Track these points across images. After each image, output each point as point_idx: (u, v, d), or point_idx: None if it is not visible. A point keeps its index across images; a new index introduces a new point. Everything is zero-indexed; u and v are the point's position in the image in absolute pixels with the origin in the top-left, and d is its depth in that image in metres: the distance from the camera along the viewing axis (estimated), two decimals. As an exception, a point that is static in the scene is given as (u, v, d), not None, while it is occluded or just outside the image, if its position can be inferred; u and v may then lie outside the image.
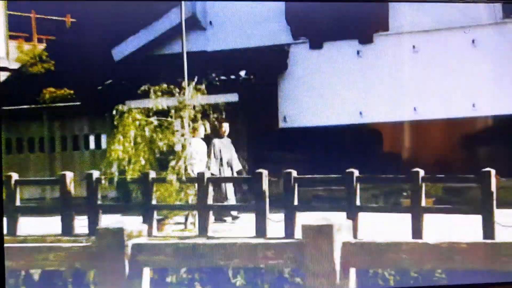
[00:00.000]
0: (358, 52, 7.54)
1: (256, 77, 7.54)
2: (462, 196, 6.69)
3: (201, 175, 6.26)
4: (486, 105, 7.23)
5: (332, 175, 6.29)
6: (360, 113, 7.51)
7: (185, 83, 6.50)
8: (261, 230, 6.18)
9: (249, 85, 7.49)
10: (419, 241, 5.47)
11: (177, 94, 6.39)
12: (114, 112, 6.26)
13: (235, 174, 7.04)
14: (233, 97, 7.53)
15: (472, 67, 7.24)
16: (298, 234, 6.10)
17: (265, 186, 6.16)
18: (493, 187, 5.73)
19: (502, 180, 5.90)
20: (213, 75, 6.99)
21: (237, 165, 7.02)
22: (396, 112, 7.45)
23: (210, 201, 6.33)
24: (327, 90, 7.53)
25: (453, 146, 7.25)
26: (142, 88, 6.36)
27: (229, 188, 6.89)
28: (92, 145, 7.39)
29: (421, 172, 5.93)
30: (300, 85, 7.67)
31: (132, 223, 5.79)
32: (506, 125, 7.25)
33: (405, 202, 6.41)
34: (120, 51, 7.77)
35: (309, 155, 7.24)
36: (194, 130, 6.68)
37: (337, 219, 5.63)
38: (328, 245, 5.22)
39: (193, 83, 6.45)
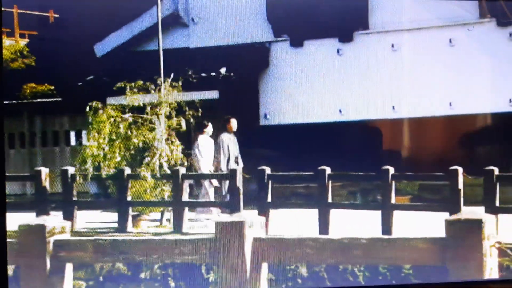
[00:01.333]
0: (338, 51, 7.59)
1: (237, 74, 7.59)
2: (437, 193, 6.75)
3: (175, 172, 6.31)
4: (463, 104, 7.28)
5: (305, 173, 6.34)
6: (340, 110, 7.57)
7: (161, 80, 6.54)
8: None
9: (229, 82, 7.55)
10: (324, 237, 5.68)
11: (152, 91, 6.42)
12: (87, 108, 6.30)
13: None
14: (213, 94, 7.58)
15: (449, 66, 7.28)
16: (271, 230, 6.18)
17: (239, 183, 6.22)
18: (460, 185, 5.80)
19: (469, 178, 5.96)
20: (190, 72, 7.01)
21: (241, 162, 7.07)
22: (375, 110, 7.50)
23: (185, 197, 6.37)
24: (307, 87, 7.58)
25: (431, 144, 7.30)
26: (118, 84, 6.39)
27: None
28: (73, 141, 7.43)
29: (391, 170, 5.98)
30: (281, 83, 7.72)
31: (54, 220, 5.86)
32: (482, 123, 7.31)
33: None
34: (103, 47, 7.81)
35: (290, 152, 7.30)
36: (204, 127, 6.71)
37: (250, 215, 5.72)
38: (239, 241, 5.31)
39: (169, 80, 6.47)
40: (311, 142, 7.28)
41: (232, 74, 7.52)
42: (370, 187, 6.99)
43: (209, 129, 6.93)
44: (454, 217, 5.30)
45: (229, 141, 7.02)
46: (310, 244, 5.37)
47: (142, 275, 6.06)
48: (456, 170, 5.89)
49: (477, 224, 5.03)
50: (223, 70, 7.48)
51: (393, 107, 7.44)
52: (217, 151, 6.93)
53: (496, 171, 5.91)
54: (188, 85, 6.99)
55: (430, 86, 7.32)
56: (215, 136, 7.24)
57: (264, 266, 5.63)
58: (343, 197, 7.16)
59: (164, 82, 6.46)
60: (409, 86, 7.36)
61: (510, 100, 7.20)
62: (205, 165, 6.82)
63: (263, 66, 7.76)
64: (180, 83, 6.68)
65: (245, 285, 5.42)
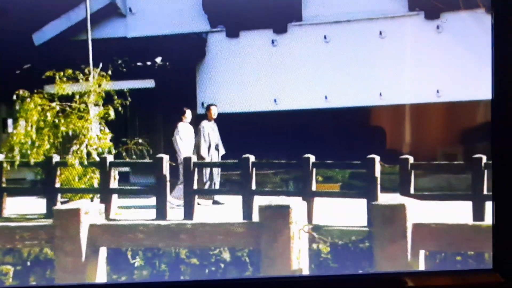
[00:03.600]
0: (272, 41, 7.74)
1: (174, 63, 7.71)
2: (367, 181, 6.95)
3: (103, 159, 6.43)
4: (392, 94, 7.50)
5: (229, 161, 6.51)
6: (275, 100, 7.74)
7: (89, 69, 6.64)
8: (161, 213, 6.40)
9: (166, 72, 7.67)
10: (154, 222, 5.93)
11: (81, 80, 6.53)
12: (14, 97, 6.38)
13: (220, 158, 7.24)
14: (149, 83, 7.71)
15: (379, 57, 7.49)
16: (196, 217, 6.36)
17: (166, 171, 6.36)
18: (377, 173, 6.00)
19: (386, 167, 6.17)
20: (120, 61, 7.11)
21: (222, 149, 7.23)
22: (309, 100, 7.69)
23: (113, 184, 6.49)
24: (243, 77, 7.74)
25: (362, 134, 7.51)
26: (47, 73, 6.48)
27: (215, 171, 7.04)
28: (10, 129, 7.49)
29: (312, 158, 6.17)
30: (217, 73, 7.87)
31: None
32: (411, 114, 7.53)
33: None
34: (41, 36, 7.87)
35: (225, 140, 7.47)
36: (182, 114, 6.97)
37: (87, 203, 5.90)
38: (76, 227, 5.50)
39: (98, 69, 6.58)
40: (246, 130, 7.44)
41: (167, 63, 7.63)
42: (302, 175, 7.16)
43: (188, 115, 7.10)
44: (266, 203, 5.58)
45: (209, 128, 7.19)
46: (141, 229, 5.59)
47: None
48: (373, 159, 6.10)
49: (286, 210, 5.29)
50: (158, 60, 7.59)
51: (326, 97, 7.64)
52: (198, 139, 7.05)
53: (411, 159, 6.11)
54: (125, 74, 7.10)
55: (361, 77, 7.52)
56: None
57: (102, 250, 5.82)
58: (276, 184, 7.37)
59: (93, 71, 6.54)
60: (341, 77, 7.55)
61: (437, 91, 7.42)
62: (185, 150, 6.96)
63: (200, 56, 7.89)
64: (109, 72, 6.76)
65: (82, 268, 5.59)
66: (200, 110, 7.89)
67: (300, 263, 5.29)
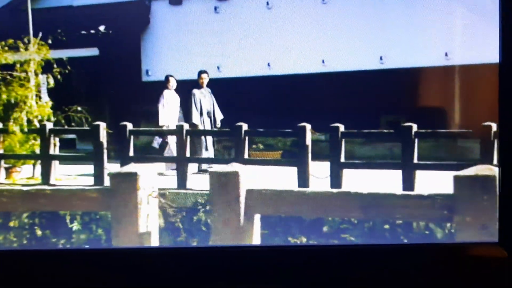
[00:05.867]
0: (215, 8, 7.82)
1: (117, 31, 7.79)
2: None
3: (43, 127, 6.59)
4: (335, 61, 7.63)
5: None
6: (218, 67, 7.85)
7: (29, 38, 6.73)
8: (99, 180, 6.58)
9: (109, 40, 7.75)
10: (16, 187, 6.33)
11: (21, 50, 6.62)
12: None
13: (218, 125, 7.38)
14: (93, 51, 7.80)
15: (322, 23, 7.59)
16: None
17: (103, 138, 6.52)
18: (308, 141, 6.17)
19: (316, 134, 6.34)
20: (64, 30, 7.19)
21: (219, 115, 7.35)
22: (251, 68, 7.82)
23: (53, 151, 6.66)
24: (187, 45, 7.83)
25: (306, 101, 7.65)
26: (-12, 43, 6.57)
27: (209, 139, 7.17)
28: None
29: (244, 126, 6.33)
30: (162, 40, 7.96)
31: None
32: (352, 80, 7.70)
33: (252, 154, 6.82)
34: (-8, 5, 7.89)
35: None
36: (168, 82, 7.14)
37: None
38: None
39: (38, 38, 6.68)
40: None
41: (111, 31, 7.71)
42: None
43: (172, 83, 7.20)
44: (115, 171, 6.04)
45: (201, 95, 7.29)
46: (5, 194, 5.92)
47: (11, 224, 6.38)
48: (304, 127, 6.26)
49: (133, 176, 5.54)
50: (102, 28, 7.67)
51: (269, 64, 7.77)
52: (190, 107, 7.18)
53: (342, 128, 6.25)
54: (69, 42, 7.18)
55: (304, 43, 7.63)
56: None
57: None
58: (219, 152, 7.56)
59: (33, 40, 6.64)
60: (283, 44, 7.66)
61: (380, 58, 7.55)
62: (165, 117, 7.08)
63: (144, 23, 7.97)
64: (53, 41, 6.86)
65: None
66: (145, 78, 8.00)
67: (148, 227, 5.53)
